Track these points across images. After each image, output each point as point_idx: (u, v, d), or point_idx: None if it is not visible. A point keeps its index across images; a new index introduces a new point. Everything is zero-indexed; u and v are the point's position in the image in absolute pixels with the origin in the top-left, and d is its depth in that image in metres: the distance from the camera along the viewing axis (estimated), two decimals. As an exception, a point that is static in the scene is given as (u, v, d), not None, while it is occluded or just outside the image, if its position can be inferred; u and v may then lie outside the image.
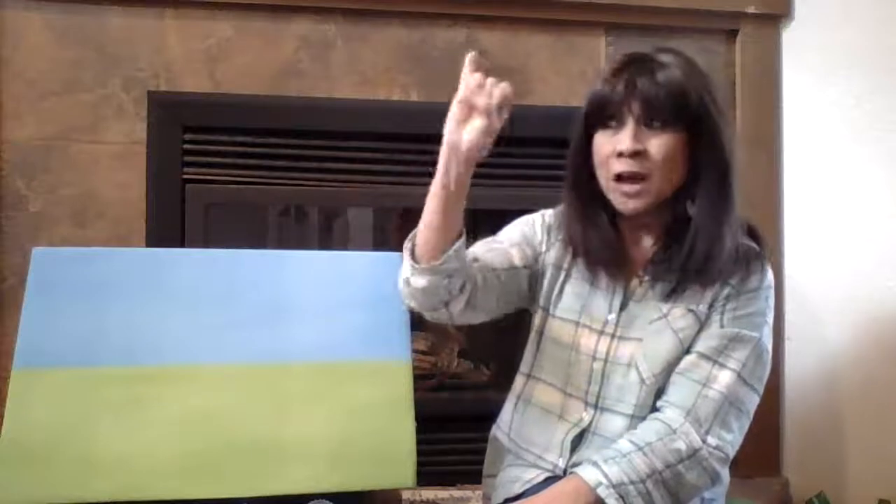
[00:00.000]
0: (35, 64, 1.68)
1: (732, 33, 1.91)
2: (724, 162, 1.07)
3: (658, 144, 1.05)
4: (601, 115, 1.08)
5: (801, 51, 1.88)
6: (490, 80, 0.96)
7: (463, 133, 0.98)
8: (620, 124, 1.06)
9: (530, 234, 1.21)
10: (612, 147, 1.06)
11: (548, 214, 1.23)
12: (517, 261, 1.17)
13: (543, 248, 1.20)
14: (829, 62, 1.83)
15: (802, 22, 1.88)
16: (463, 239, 1.06)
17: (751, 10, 1.87)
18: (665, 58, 1.07)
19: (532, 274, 1.19)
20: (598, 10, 1.84)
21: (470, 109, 0.97)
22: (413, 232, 1.08)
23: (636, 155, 1.04)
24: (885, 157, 1.75)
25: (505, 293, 1.16)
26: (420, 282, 1.07)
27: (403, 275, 1.10)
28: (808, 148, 1.87)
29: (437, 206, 1.04)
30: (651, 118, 1.04)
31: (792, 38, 1.89)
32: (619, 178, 1.07)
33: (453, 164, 1.01)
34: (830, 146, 1.83)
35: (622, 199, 1.07)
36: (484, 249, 1.17)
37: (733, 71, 1.90)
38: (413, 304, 1.13)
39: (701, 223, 1.07)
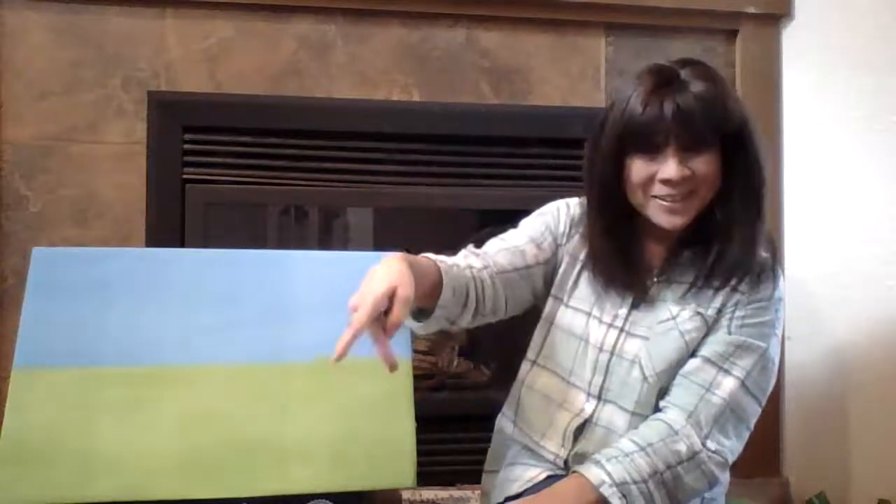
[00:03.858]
0: (35, 64, 1.68)
1: (732, 33, 1.91)
2: (761, 176, 1.07)
3: (702, 164, 1.03)
4: (639, 141, 1.04)
5: (801, 51, 1.88)
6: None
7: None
8: (660, 151, 1.03)
9: (554, 224, 1.19)
10: (651, 172, 1.04)
11: (573, 204, 1.21)
12: (531, 259, 1.16)
13: (564, 239, 1.19)
14: (829, 62, 1.83)
15: (802, 22, 1.88)
16: (442, 292, 1.01)
17: (751, 10, 1.87)
18: (692, 75, 1.04)
19: (548, 270, 1.18)
20: (598, 10, 1.84)
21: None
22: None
23: (682, 180, 1.03)
24: (885, 158, 1.75)
25: (516, 294, 1.15)
26: (420, 332, 1.09)
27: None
28: (808, 147, 1.87)
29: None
30: (695, 142, 1.03)
31: (792, 38, 1.89)
32: (664, 198, 1.05)
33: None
34: (830, 146, 1.83)
35: (668, 215, 1.06)
36: (497, 248, 1.15)
37: (733, 71, 1.90)
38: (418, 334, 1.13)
39: (738, 233, 1.06)
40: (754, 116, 1.09)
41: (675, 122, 1.01)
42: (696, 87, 1.03)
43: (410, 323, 1.06)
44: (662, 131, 1.02)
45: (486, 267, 1.11)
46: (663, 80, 1.04)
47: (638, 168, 1.05)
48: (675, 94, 1.02)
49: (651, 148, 1.04)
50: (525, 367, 1.21)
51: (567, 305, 1.17)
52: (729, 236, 1.07)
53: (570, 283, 1.18)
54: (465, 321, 1.09)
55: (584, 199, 1.19)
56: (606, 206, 1.11)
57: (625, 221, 1.11)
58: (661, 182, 1.04)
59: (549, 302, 1.19)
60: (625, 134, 1.05)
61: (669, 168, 1.02)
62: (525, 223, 1.21)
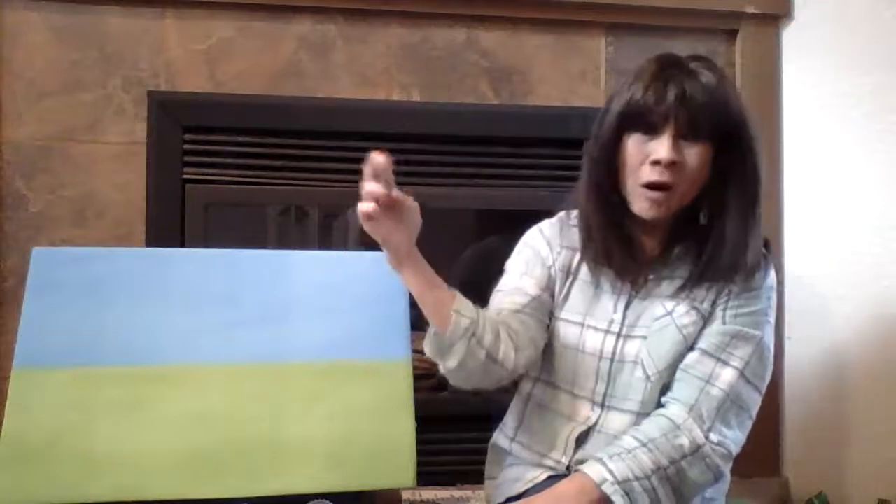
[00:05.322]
0: (35, 64, 1.68)
1: (732, 33, 1.91)
2: (757, 177, 1.06)
3: (693, 155, 1.04)
4: (640, 120, 1.05)
5: (801, 51, 1.88)
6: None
7: (397, 224, 0.99)
8: (658, 132, 1.04)
9: (534, 254, 1.20)
10: (645, 154, 1.05)
11: (545, 227, 1.22)
12: (534, 290, 1.16)
13: (551, 261, 1.19)
14: (828, 62, 1.83)
15: (802, 22, 1.88)
16: (457, 296, 1.05)
17: (751, 10, 1.87)
18: (700, 66, 1.05)
19: (552, 292, 1.18)
20: (598, 10, 1.84)
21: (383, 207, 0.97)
22: (427, 335, 1.08)
23: (672, 165, 1.04)
24: (885, 157, 1.75)
25: (541, 324, 1.15)
26: (452, 360, 1.05)
27: (441, 370, 1.09)
28: (808, 148, 1.87)
29: (424, 290, 1.04)
30: (692, 130, 1.03)
31: (792, 38, 1.89)
32: (649, 185, 1.06)
33: (410, 253, 1.03)
34: (830, 146, 1.83)
35: (647, 205, 1.06)
36: (500, 298, 1.16)
37: (733, 71, 1.90)
38: (471, 385, 1.10)
39: (730, 235, 1.06)
40: (755, 120, 1.08)
41: (676, 105, 1.02)
42: (703, 76, 1.04)
43: (447, 362, 1.06)
44: (663, 113, 1.03)
45: (499, 313, 1.12)
46: (669, 64, 1.06)
47: (633, 149, 1.06)
48: (680, 78, 1.04)
49: (649, 129, 1.05)
50: (527, 384, 1.21)
51: (559, 319, 1.17)
52: (722, 239, 1.07)
53: (561, 296, 1.18)
54: (511, 357, 1.08)
55: (555, 219, 1.22)
56: (600, 187, 1.11)
57: (617, 208, 1.11)
58: (651, 163, 1.04)
59: None
60: (626, 113, 1.06)
61: (663, 149, 1.03)
62: (510, 265, 1.22)
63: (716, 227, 1.08)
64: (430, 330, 1.07)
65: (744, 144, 1.05)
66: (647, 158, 1.05)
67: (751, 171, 1.06)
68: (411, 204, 1.01)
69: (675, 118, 1.03)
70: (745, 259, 1.07)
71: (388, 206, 0.97)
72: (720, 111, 1.03)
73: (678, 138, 1.03)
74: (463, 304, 1.05)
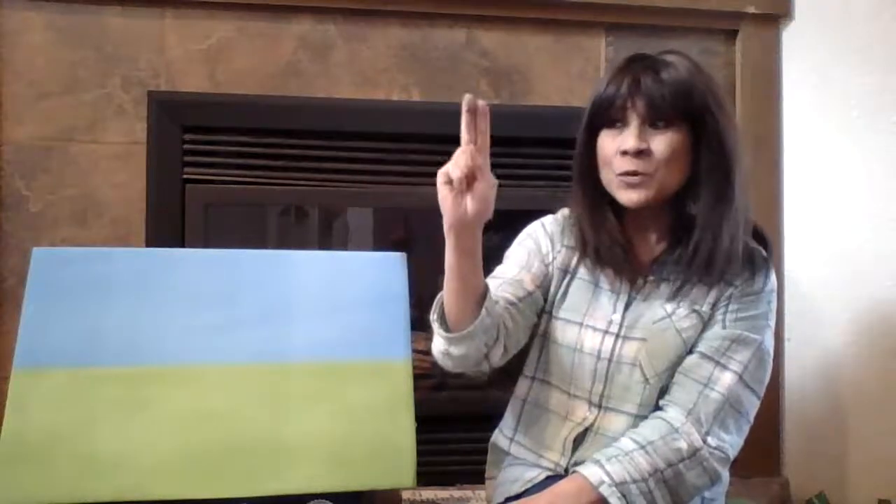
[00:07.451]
0: (35, 64, 1.68)
1: (732, 33, 1.91)
2: (727, 161, 1.07)
3: (661, 142, 1.05)
4: (605, 115, 1.08)
5: (801, 51, 1.88)
6: (469, 147, 0.97)
7: (468, 204, 0.96)
8: (625, 124, 1.07)
9: (535, 248, 1.20)
10: (615, 146, 1.07)
11: (548, 222, 1.23)
12: (530, 285, 1.16)
13: (551, 257, 1.19)
14: (828, 62, 1.83)
15: (802, 22, 1.88)
16: (489, 296, 1.04)
17: (751, 10, 1.87)
18: (668, 57, 1.08)
19: (545, 290, 1.18)
20: (598, 10, 1.84)
21: (469, 178, 0.96)
22: (435, 302, 1.06)
23: (640, 153, 1.05)
24: (885, 157, 1.75)
25: (529, 322, 1.16)
26: (459, 350, 1.05)
27: (439, 347, 1.08)
28: (808, 148, 1.87)
29: (457, 275, 1.01)
30: (655, 117, 1.05)
31: (792, 38, 1.89)
32: (623, 174, 1.07)
33: (465, 235, 0.99)
34: (830, 146, 1.83)
35: (625, 190, 1.07)
36: (496, 286, 1.14)
37: (733, 71, 1.90)
38: (455, 370, 1.11)
39: (704, 222, 1.07)
40: (727, 103, 1.10)
41: (631, 95, 1.05)
42: (665, 66, 1.06)
43: (451, 348, 1.06)
44: (621, 104, 1.06)
45: (496, 303, 1.11)
46: (632, 61, 1.09)
47: (604, 143, 1.09)
48: (641, 70, 1.06)
49: (615, 122, 1.08)
50: (524, 384, 1.21)
51: (557, 318, 1.17)
52: (703, 225, 1.07)
53: (559, 295, 1.18)
54: (498, 354, 1.09)
55: (558, 214, 1.23)
56: (586, 186, 1.13)
57: (606, 206, 1.12)
58: (620, 154, 1.06)
59: (542, 317, 1.19)
60: (592, 110, 1.10)
61: (628, 139, 1.05)
62: (510, 254, 1.22)
63: (696, 214, 1.08)
64: (439, 309, 1.06)
65: (709, 129, 1.06)
66: (618, 150, 1.07)
67: (721, 156, 1.07)
68: (491, 182, 0.99)
69: (635, 107, 1.05)
70: (721, 245, 1.07)
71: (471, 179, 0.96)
72: (681, 96, 1.04)
73: (645, 127, 1.06)
74: (491, 304, 1.04)
